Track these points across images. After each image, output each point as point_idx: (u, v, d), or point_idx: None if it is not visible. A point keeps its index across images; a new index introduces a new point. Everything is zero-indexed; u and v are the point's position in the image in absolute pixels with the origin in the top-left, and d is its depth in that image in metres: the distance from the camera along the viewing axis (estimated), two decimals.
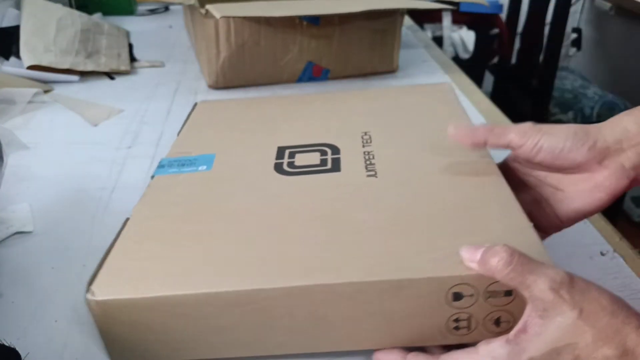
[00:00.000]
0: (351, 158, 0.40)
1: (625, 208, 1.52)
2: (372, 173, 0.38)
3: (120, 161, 0.53)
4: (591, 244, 0.42)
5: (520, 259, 0.26)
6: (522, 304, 0.27)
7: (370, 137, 0.43)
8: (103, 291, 0.29)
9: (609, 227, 0.44)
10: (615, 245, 0.42)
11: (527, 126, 0.34)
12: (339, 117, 0.48)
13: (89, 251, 0.41)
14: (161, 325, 0.30)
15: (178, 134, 0.46)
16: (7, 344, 0.32)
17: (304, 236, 0.32)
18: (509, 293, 0.28)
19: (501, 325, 0.29)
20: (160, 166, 0.41)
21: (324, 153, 0.41)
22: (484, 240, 0.28)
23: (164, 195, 0.38)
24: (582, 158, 0.32)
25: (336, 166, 0.39)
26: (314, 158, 0.41)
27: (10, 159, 0.51)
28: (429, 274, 0.28)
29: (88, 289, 0.29)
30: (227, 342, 0.30)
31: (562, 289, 0.25)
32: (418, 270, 0.28)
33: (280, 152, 0.42)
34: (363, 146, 0.42)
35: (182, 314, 0.29)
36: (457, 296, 0.28)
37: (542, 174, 0.35)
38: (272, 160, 0.41)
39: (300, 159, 0.41)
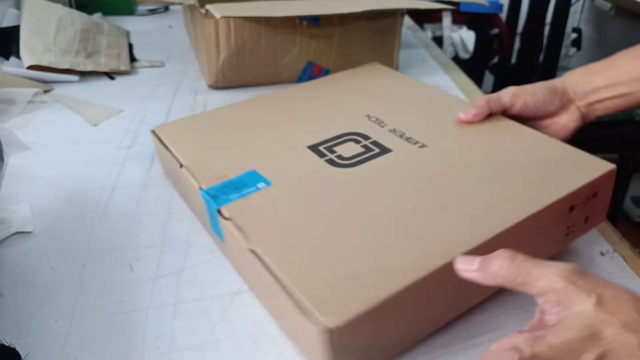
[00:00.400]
0: (386, 139, 0.42)
1: (625, 208, 1.52)
2: (420, 144, 0.41)
3: (120, 161, 0.53)
4: (591, 244, 0.42)
5: (523, 256, 0.25)
6: (599, 200, 0.37)
7: (378, 118, 0.45)
8: (335, 316, 0.27)
9: (608, 227, 0.44)
10: (615, 245, 0.42)
11: (515, 90, 0.44)
12: (328, 109, 0.49)
13: (88, 251, 0.41)
14: (385, 324, 0.29)
15: (181, 166, 0.42)
16: (7, 344, 0.32)
17: (441, 205, 0.35)
18: (595, 194, 0.36)
19: (588, 221, 0.38)
20: (214, 197, 0.37)
21: (357, 141, 0.42)
22: (556, 167, 0.37)
23: (256, 218, 0.35)
24: (555, 108, 0.44)
25: (383, 148, 0.41)
26: (354, 147, 0.41)
27: (10, 159, 0.51)
28: (557, 196, 0.34)
29: (316, 322, 0.27)
30: (436, 314, 0.32)
31: (574, 275, 0.24)
32: (549, 197, 0.34)
33: (316, 150, 0.42)
34: (382, 127, 0.44)
35: (403, 304, 0.29)
36: (572, 208, 0.35)
37: (524, 122, 0.44)
38: (319, 159, 0.40)
39: (344, 151, 0.41)
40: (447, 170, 0.38)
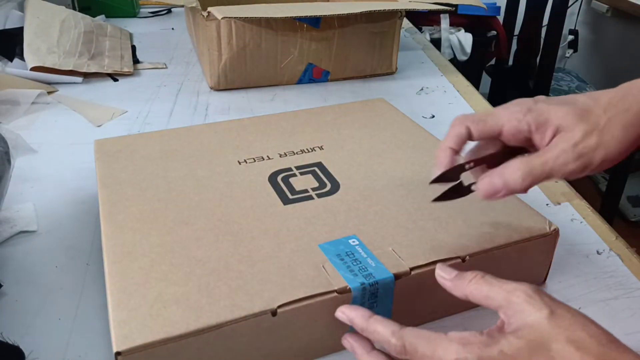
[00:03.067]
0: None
1: (621, 208, 1.53)
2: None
3: None
4: (588, 243, 0.42)
5: (491, 276, 0.28)
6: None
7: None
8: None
9: (605, 227, 0.44)
10: (611, 244, 0.42)
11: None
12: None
13: (92, 250, 0.41)
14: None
15: None
16: (10, 342, 0.32)
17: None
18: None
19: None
20: None
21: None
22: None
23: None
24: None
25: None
26: (309, 181, 0.41)
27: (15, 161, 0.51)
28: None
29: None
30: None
31: (533, 292, 0.26)
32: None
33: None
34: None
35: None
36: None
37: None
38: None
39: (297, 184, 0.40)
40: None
